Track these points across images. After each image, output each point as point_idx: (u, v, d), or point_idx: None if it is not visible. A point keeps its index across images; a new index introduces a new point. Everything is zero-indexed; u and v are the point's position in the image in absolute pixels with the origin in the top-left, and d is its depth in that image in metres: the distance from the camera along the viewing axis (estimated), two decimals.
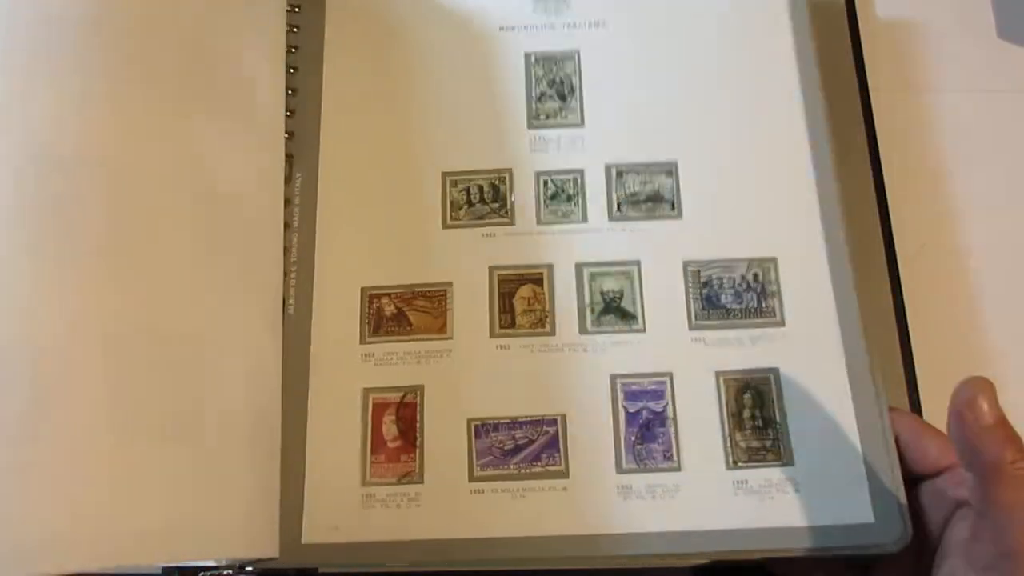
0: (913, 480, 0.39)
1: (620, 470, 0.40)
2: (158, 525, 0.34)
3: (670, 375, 0.42)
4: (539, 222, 0.45)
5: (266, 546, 0.39)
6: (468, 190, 0.45)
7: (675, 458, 0.40)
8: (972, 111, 0.52)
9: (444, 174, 0.46)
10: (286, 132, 0.46)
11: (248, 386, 0.39)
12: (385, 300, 0.44)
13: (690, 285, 0.43)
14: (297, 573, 0.40)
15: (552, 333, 0.43)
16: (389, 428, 0.41)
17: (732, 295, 0.43)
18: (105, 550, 0.32)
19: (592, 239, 0.44)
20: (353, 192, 0.45)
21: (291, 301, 0.43)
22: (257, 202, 0.42)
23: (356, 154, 0.46)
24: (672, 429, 0.41)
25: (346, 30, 0.48)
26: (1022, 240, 0.49)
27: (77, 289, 0.34)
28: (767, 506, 0.39)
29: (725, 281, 0.43)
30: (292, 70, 0.47)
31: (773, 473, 0.40)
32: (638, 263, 0.44)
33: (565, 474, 0.40)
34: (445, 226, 0.45)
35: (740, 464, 0.40)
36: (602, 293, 0.43)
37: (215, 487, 0.37)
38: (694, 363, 0.42)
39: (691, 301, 0.43)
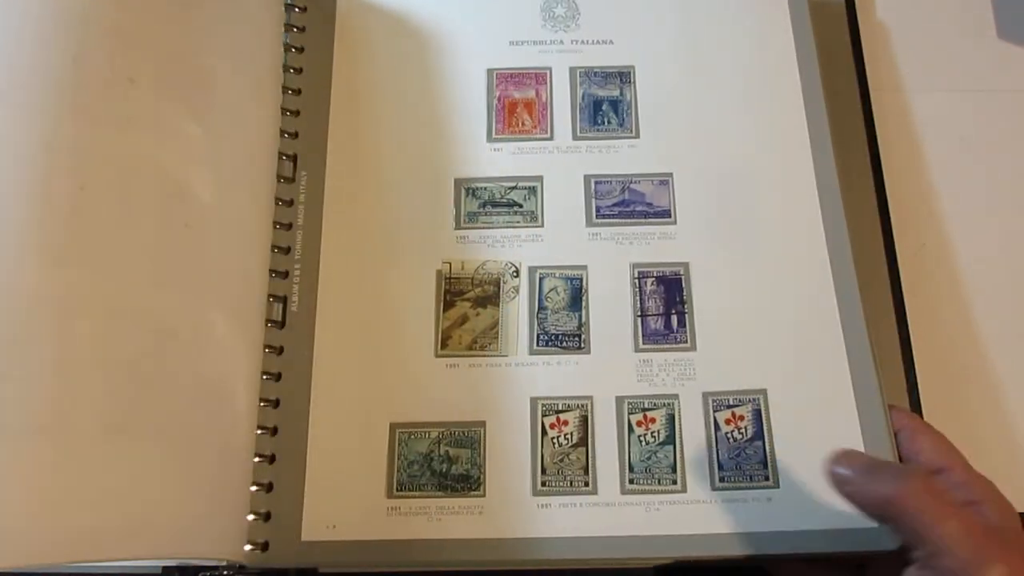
0: None
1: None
2: (109, 522, 0.34)
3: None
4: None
5: (228, 548, 0.38)
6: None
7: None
8: (972, 111, 0.52)
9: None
10: (291, 132, 0.46)
11: (213, 387, 0.39)
12: None
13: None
14: (297, 573, 0.40)
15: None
16: None
17: None
18: (53, 546, 0.32)
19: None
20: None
21: (295, 299, 0.43)
22: (229, 207, 0.42)
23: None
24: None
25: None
26: (1021, 240, 0.49)
27: (32, 280, 0.34)
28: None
29: None
30: (298, 71, 0.47)
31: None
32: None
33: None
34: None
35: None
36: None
37: (171, 485, 0.36)
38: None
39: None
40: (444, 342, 0.43)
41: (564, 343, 0.43)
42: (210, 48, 0.43)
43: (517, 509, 0.40)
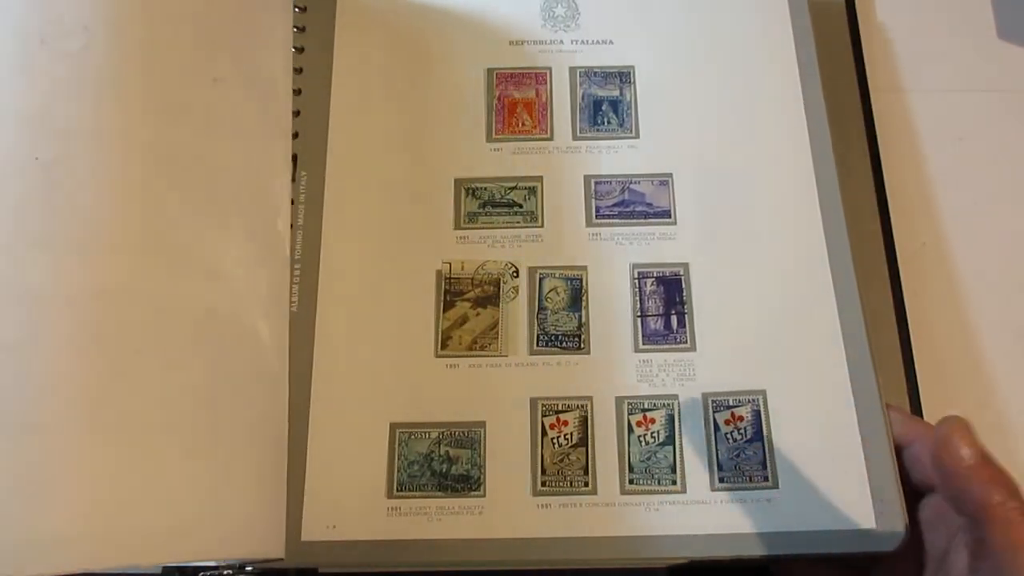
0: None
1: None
2: (163, 524, 0.34)
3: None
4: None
5: (271, 547, 0.39)
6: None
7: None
8: (971, 111, 0.52)
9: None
10: (291, 132, 0.46)
11: (255, 385, 0.40)
12: None
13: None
14: (297, 573, 0.40)
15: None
16: None
17: None
18: (111, 550, 0.32)
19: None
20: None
21: (295, 299, 0.44)
22: (266, 203, 0.43)
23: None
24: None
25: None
26: (1021, 240, 0.50)
27: (80, 286, 0.35)
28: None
29: None
30: (298, 71, 0.47)
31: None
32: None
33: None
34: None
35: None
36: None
37: (221, 486, 0.37)
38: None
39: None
40: (444, 342, 0.43)
41: (564, 343, 0.43)
42: (272, 49, 0.44)
43: (517, 509, 0.40)
